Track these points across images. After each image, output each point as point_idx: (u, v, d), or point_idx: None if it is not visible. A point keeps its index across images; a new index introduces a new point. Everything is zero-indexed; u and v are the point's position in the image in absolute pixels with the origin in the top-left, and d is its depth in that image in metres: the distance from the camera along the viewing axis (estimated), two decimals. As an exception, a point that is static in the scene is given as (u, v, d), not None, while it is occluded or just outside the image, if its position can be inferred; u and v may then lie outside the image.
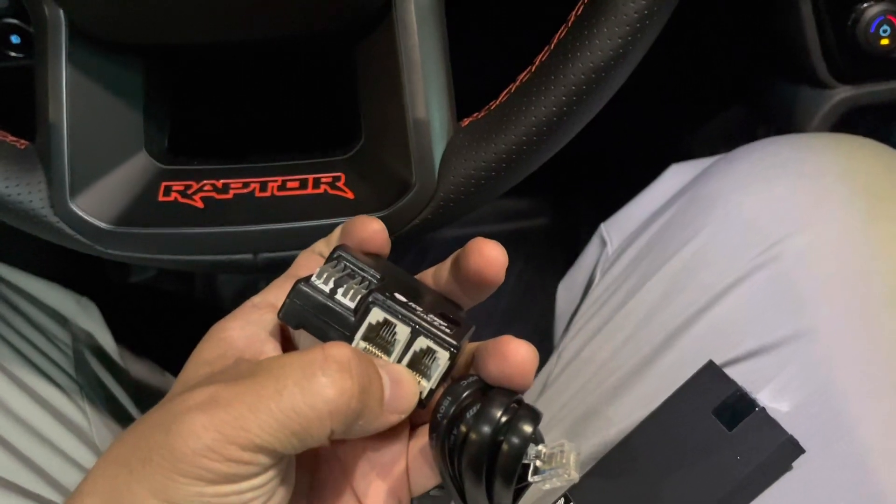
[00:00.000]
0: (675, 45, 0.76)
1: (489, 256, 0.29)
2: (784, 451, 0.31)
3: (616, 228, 0.49)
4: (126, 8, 0.35)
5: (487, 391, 0.29)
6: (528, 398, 0.46)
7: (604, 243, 0.49)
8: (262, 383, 0.25)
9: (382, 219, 0.38)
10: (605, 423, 0.38)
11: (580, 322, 0.45)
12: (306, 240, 0.38)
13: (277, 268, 0.39)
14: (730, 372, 0.35)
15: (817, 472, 0.33)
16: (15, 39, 0.51)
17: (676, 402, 0.34)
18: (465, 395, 0.28)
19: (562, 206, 1.02)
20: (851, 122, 0.62)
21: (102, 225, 0.38)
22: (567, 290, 0.53)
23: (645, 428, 0.34)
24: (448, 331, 0.28)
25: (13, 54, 0.51)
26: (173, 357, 0.31)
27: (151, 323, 0.79)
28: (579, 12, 0.36)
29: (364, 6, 0.37)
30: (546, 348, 0.53)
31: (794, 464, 0.31)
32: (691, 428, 0.33)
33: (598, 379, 0.40)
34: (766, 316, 0.36)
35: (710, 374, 0.34)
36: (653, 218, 0.45)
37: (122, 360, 0.57)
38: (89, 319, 0.56)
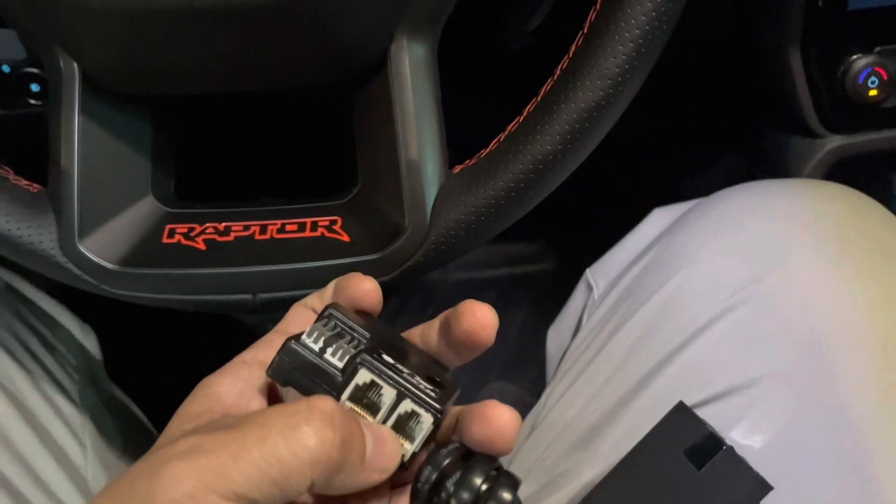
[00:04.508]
0: (675, 93, 0.78)
1: (482, 319, 0.30)
2: (752, 490, 0.32)
3: (601, 273, 0.50)
4: (136, 62, 0.38)
5: (469, 458, 0.29)
6: (519, 436, 0.46)
7: (590, 288, 0.51)
8: (245, 432, 0.25)
9: (376, 261, 0.39)
10: (583, 464, 0.39)
11: (566, 366, 0.46)
12: (303, 281, 0.40)
13: (275, 308, 0.40)
14: (702, 412, 0.36)
15: None
16: (35, 88, 0.54)
17: (649, 444, 0.35)
18: (445, 462, 0.28)
19: (566, 250, 1.03)
20: (851, 169, 0.63)
21: (108, 265, 0.39)
22: (556, 335, 0.54)
23: (619, 470, 0.35)
24: (433, 394, 0.29)
25: (33, 102, 0.54)
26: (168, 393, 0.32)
27: (156, 359, 0.80)
28: (564, 66, 0.38)
29: (361, 60, 0.39)
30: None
31: (764, 502, 0.32)
32: (663, 469, 0.33)
33: (577, 421, 0.41)
34: (737, 357, 0.37)
35: (681, 414, 0.35)
36: (634, 262, 0.46)
37: (120, 393, 0.58)
38: (90, 348, 0.56)
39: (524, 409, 0.50)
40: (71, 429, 0.47)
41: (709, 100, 0.76)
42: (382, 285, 0.38)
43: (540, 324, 0.99)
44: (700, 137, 0.82)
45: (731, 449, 0.32)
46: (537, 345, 0.98)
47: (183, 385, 0.33)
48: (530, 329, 1.01)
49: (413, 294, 1.03)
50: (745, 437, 0.35)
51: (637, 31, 0.35)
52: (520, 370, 0.96)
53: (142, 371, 0.65)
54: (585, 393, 0.42)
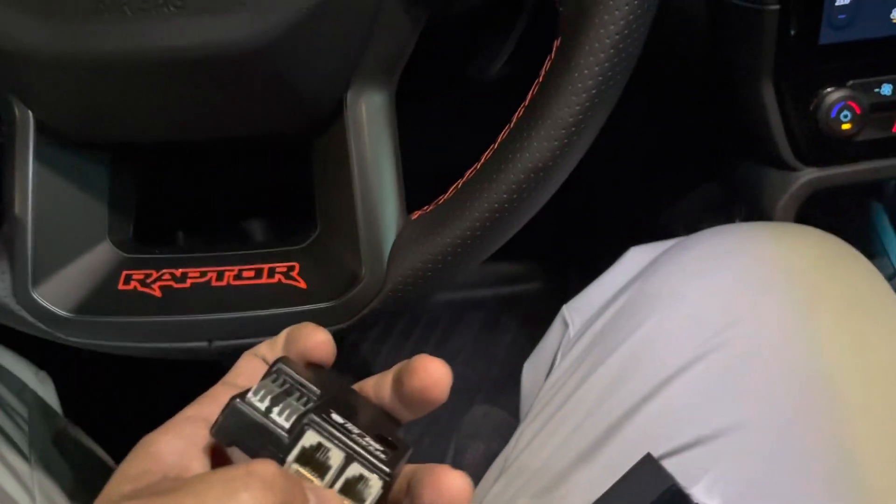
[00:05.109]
0: (656, 121, 0.78)
1: (434, 375, 0.29)
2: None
3: (577, 310, 0.50)
4: (90, 111, 0.37)
5: None
6: (488, 479, 0.46)
7: (566, 325, 0.50)
8: (182, 499, 0.24)
9: (332, 309, 0.39)
10: None
11: (538, 407, 0.46)
12: (259, 328, 0.39)
13: (231, 355, 0.40)
14: (668, 463, 0.35)
15: None
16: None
17: (614, 496, 0.34)
18: None
19: (554, 271, 1.02)
20: (831, 197, 0.63)
21: (62, 313, 0.39)
22: (531, 371, 0.53)
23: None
24: (383, 456, 0.28)
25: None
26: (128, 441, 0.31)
27: (111, 404, 0.79)
28: (520, 115, 0.38)
29: (317, 109, 0.38)
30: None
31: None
32: (626, 523, 0.33)
33: (546, 466, 0.41)
34: (704, 407, 0.37)
35: (648, 467, 0.34)
36: (608, 304, 0.46)
37: (77, 436, 0.57)
38: (46, 395, 0.56)
39: (510, 432, 0.50)
40: (19, 479, 0.47)
41: (689, 129, 0.76)
42: (340, 332, 0.38)
43: (528, 346, 0.99)
44: (680, 166, 0.82)
45: None
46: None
47: (150, 425, 0.32)
48: (518, 351, 1.00)
49: (401, 316, 1.02)
50: (706, 493, 0.34)
51: (590, 82, 0.35)
52: (506, 392, 0.96)
53: (107, 413, 0.64)
54: (555, 438, 0.42)
